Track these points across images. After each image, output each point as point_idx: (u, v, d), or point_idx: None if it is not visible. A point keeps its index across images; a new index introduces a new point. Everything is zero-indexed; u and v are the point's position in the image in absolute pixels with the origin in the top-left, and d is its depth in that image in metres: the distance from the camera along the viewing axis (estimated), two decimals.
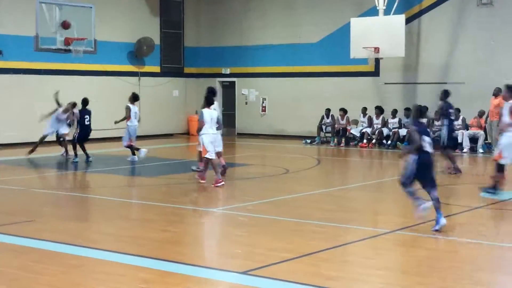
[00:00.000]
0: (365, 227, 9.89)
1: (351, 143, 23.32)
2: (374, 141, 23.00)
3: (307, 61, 26.36)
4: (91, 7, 19.78)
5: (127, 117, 17.90)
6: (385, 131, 23.14)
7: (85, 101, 18.22)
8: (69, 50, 19.40)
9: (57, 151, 19.59)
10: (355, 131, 23.66)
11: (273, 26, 27.29)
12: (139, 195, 13.36)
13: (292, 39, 26.73)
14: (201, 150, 14.07)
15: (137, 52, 26.85)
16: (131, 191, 14.13)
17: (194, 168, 15.40)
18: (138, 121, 18.29)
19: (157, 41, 27.56)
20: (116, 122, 18.30)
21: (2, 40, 22.75)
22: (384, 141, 22.95)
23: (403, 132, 22.41)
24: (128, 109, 17.89)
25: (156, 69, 27.95)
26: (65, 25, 18.85)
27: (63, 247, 8.69)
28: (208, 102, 13.88)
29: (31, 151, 19.03)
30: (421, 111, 9.71)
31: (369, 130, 23.09)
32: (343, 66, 25.09)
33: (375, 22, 22.55)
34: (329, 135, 24.26)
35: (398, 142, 22.41)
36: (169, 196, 13.48)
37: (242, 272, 7.56)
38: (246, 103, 28.26)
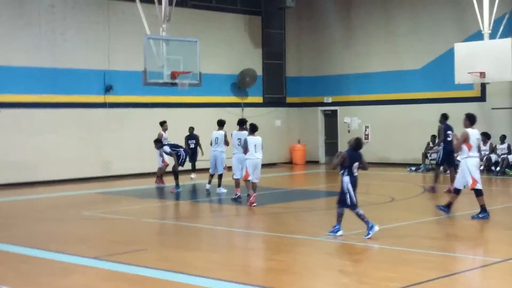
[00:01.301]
0: (475, 256, 9.67)
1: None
2: (481, 167, 22.37)
3: (410, 87, 26.08)
4: (196, 41, 20.28)
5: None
6: (493, 157, 22.52)
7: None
8: (175, 84, 19.87)
9: (171, 182, 19.45)
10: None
11: (375, 54, 27.20)
12: (245, 224, 13.55)
13: (394, 66, 26.54)
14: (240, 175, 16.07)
15: (240, 83, 27.39)
16: (237, 220, 14.36)
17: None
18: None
19: (259, 72, 28.03)
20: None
21: (113, 76, 23.80)
22: (493, 168, 22.34)
23: None
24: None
25: (259, 99, 28.36)
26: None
27: (174, 276, 8.95)
28: (252, 130, 15.53)
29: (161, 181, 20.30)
30: (359, 143, 11.80)
31: None
32: (447, 92, 24.63)
33: (480, 47, 22.01)
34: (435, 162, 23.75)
35: (507, 169, 21.81)
36: (275, 225, 13.62)
37: None
38: (349, 131, 28.17)
